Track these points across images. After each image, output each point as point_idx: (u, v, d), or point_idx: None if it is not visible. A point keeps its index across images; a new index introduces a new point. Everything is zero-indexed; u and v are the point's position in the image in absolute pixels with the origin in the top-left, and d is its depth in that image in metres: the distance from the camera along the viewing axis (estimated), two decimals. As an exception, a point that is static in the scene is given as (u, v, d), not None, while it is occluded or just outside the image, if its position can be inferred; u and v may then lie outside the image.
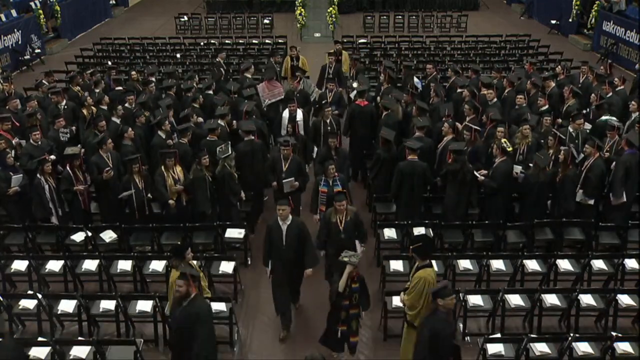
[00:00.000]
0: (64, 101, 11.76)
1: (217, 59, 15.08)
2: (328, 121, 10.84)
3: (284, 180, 9.33)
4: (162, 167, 9.23)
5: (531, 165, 9.37)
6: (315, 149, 10.98)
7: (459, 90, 11.94)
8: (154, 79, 13.18)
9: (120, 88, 12.67)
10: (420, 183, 9.32)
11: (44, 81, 13.23)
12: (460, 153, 9.04)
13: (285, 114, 11.23)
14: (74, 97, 12.46)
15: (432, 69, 13.41)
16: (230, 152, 9.40)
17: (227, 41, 19.58)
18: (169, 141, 10.26)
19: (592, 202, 9.24)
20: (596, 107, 11.29)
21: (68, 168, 9.36)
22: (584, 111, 11.28)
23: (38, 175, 9.16)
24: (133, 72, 13.77)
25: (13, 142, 10.29)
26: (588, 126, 10.89)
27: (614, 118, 10.58)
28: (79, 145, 10.37)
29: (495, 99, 11.42)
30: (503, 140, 9.25)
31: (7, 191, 9.24)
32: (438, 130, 10.32)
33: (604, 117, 10.68)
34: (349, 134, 11.55)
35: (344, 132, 11.55)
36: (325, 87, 12.63)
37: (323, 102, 11.56)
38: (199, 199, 9.28)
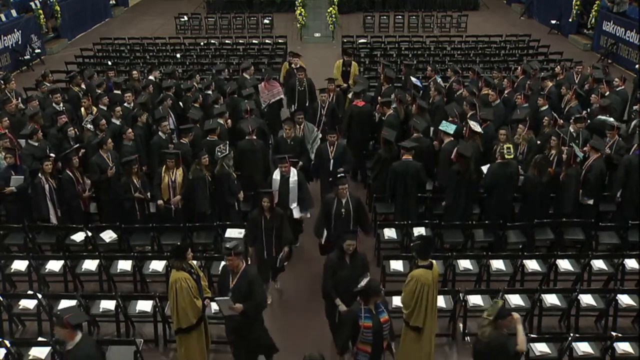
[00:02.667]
0: (61, 103, 11.76)
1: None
2: (344, 201, 8.24)
3: (216, 298, 6.69)
4: (163, 168, 9.25)
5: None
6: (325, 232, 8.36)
7: (459, 92, 11.94)
8: (153, 78, 13.17)
9: (119, 92, 12.58)
10: (414, 183, 9.30)
11: (44, 82, 13.23)
12: (466, 157, 9.02)
13: (276, 175, 8.97)
14: (74, 97, 12.46)
15: (431, 72, 13.38)
16: (228, 151, 9.39)
17: (227, 41, 19.59)
18: (170, 145, 10.21)
19: (591, 202, 9.24)
20: (602, 109, 11.18)
21: (68, 171, 9.33)
22: (584, 112, 11.26)
23: (40, 174, 9.16)
24: (134, 72, 13.78)
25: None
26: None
27: (611, 118, 10.56)
28: (77, 145, 10.34)
29: (498, 100, 11.44)
30: (505, 146, 9.18)
31: (4, 190, 9.22)
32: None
33: (600, 117, 10.68)
34: (347, 135, 11.43)
35: (343, 134, 11.44)
36: (325, 139, 10.11)
37: (338, 174, 8.93)
38: (199, 199, 9.28)
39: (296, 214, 9.03)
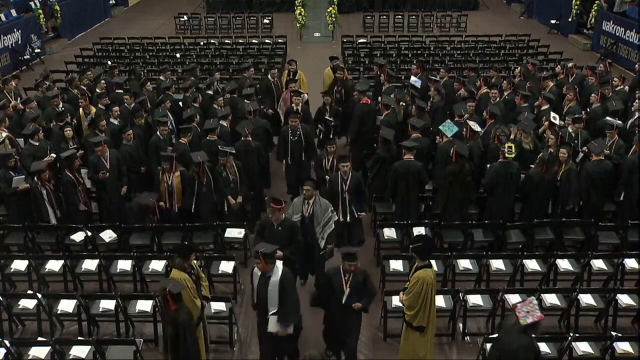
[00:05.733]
0: (61, 104, 11.75)
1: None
2: None
3: None
4: (161, 171, 9.28)
5: (531, 165, 9.39)
6: None
7: (458, 92, 11.93)
8: (164, 79, 13.17)
9: (121, 91, 12.58)
10: (415, 183, 9.29)
11: (45, 81, 13.22)
12: (463, 156, 9.02)
13: (257, 270, 6.64)
14: (73, 98, 12.45)
15: (417, 70, 13.27)
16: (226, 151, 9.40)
17: (227, 41, 19.60)
18: (169, 148, 10.17)
19: (581, 203, 9.23)
20: (613, 113, 11.09)
21: (68, 172, 9.30)
22: (583, 113, 11.26)
23: (35, 179, 9.07)
24: (140, 73, 13.82)
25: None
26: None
27: (619, 122, 10.50)
28: (75, 147, 10.32)
29: (499, 99, 11.44)
30: (507, 145, 9.14)
31: (7, 192, 9.19)
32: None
33: (608, 119, 10.65)
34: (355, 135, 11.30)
35: (352, 137, 11.23)
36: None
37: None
38: (202, 199, 9.29)
39: (272, 326, 6.63)
